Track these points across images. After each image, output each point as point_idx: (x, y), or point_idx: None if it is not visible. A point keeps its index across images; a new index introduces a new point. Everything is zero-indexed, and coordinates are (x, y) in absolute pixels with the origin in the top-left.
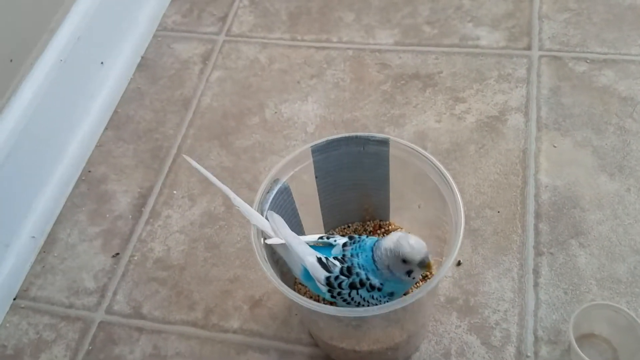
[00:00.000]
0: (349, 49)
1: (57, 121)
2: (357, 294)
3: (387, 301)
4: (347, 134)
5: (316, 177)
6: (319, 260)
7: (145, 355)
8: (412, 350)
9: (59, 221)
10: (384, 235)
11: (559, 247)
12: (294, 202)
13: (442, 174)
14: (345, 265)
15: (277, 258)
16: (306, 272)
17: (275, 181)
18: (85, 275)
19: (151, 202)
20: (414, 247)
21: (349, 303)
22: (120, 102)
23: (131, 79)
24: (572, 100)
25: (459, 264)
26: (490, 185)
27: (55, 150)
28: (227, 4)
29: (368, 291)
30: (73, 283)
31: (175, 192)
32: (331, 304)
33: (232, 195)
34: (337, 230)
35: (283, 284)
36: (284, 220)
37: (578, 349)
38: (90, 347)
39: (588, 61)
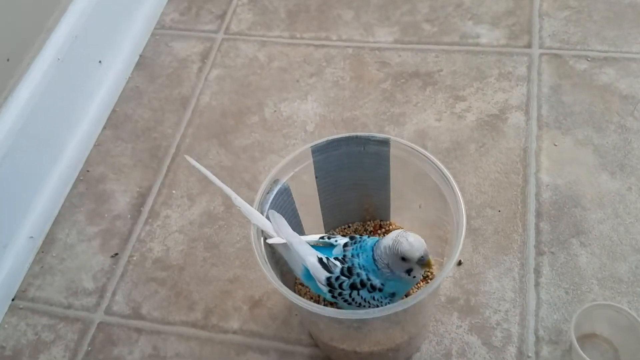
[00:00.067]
0: (348, 47)
1: (55, 121)
2: (358, 294)
3: (389, 302)
4: (347, 134)
5: (316, 177)
6: (320, 260)
7: (144, 356)
8: (413, 351)
9: (57, 221)
10: (384, 236)
11: (560, 247)
12: (294, 202)
13: (444, 174)
14: (346, 265)
15: (277, 258)
16: (307, 272)
17: (275, 182)
18: (84, 275)
19: (150, 201)
20: (412, 244)
21: (350, 304)
22: (119, 101)
23: (129, 77)
24: (572, 98)
25: (459, 263)
26: (490, 184)
27: (53, 150)
28: (225, 1)
29: (369, 292)
30: (72, 283)
31: (174, 191)
32: (332, 304)
33: (233, 195)
34: (337, 230)
35: (283, 286)
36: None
37: (579, 349)
38: (89, 348)
39: (589, 59)
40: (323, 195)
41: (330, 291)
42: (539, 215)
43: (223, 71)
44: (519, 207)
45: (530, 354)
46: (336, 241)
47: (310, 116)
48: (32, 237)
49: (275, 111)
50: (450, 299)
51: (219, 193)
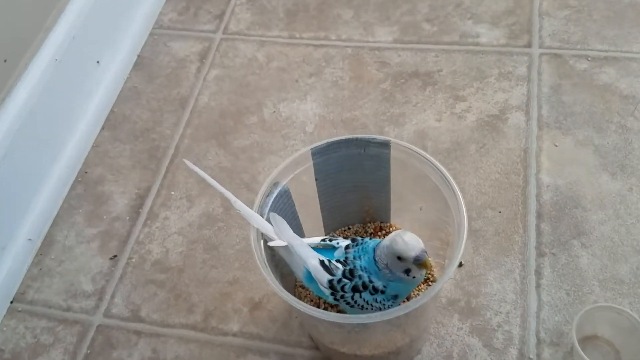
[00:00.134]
0: (347, 46)
1: (53, 122)
2: (360, 297)
3: (391, 304)
4: (347, 137)
5: (316, 180)
6: (322, 263)
7: (144, 358)
8: (414, 354)
9: (55, 223)
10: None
11: (560, 248)
12: (293, 205)
13: (444, 176)
14: (348, 267)
15: (277, 261)
16: (309, 275)
17: (275, 184)
18: (82, 278)
19: (149, 203)
20: (407, 243)
21: (352, 306)
22: (117, 102)
23: (127, 78)
24: (573, 98)
25: (460, 265)
26: (491, 185)
27: (51, 151)
28: (223, 1)
29: (371, 294)
30: (70, 286)
31: (173, 193)
32: (334, 306)
33: (232, 198)
34: (337, 232)
35: (283, 290)
36: None
37: (581, 351)
38: (88, 351)
39: (589, 59)
40: (323, 198)
41: (332, 294)
42: (539, 216)
43: (222, 71)
44: (520, 208)
45: (531, 356)
46: (338, 243)
47: (309, 116)
48: (30, 239)
49: (274, 111)
50: (451, 300)
51: (218, 194)
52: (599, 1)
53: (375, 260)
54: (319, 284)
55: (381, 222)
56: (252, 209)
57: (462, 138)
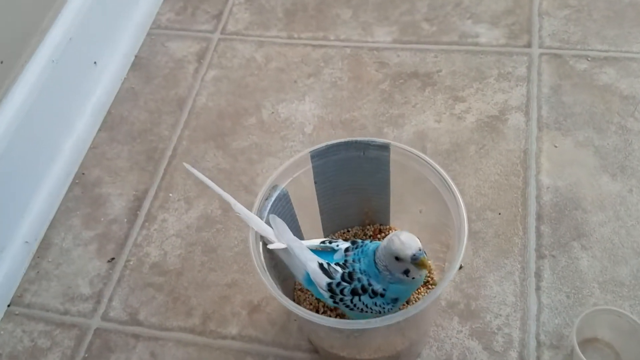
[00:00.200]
0: (346, 47)
1: (50, 123)
2: (360, 300)
3: (391, 307)
4: (346, 139)
5: (315, 183)
6: (321, 266)
7: None
8: (414, 357)
9: (52, 226)
10: None
11: (560, 250)
12: (292, 208)
13: (444, 178)
14: (347, 271)
15: (275, 263)
16: (309, 278)
17: (274, 187)
18: (80, 281)
19: (146, 205)
20: (404, 242)
21: (351, 309)
22: (114, 103)
23: (125, 78)
24: (573, 99)
25: (460, 267)
26: (490, 187)
27: (48, 152)
28: (221, 1)
29: (370, 297)
30: (68, 289)
31: (171, 195)
32: (334, 309)
33: (232, 201)
34: (336, 234)
35: (282, 295)
36: None
37: (581, 354)
38: (86, 355)
39: (589, 59)
40: (322, 200)
41: (331, 297)
42: (539, 218)
43: (220, 72)
44: (520, 209)
45: (531, 359)
46: (337, 246)
47: (308, 117)
48: (27, 242)
49: (272, 112)
50: (450, 303)
51: (217, 196)
52: (599, 1)
53: (375, 262)
54: (319, 287)
55: (381, 225)
56: (251, 212)
57: (461, 139)
